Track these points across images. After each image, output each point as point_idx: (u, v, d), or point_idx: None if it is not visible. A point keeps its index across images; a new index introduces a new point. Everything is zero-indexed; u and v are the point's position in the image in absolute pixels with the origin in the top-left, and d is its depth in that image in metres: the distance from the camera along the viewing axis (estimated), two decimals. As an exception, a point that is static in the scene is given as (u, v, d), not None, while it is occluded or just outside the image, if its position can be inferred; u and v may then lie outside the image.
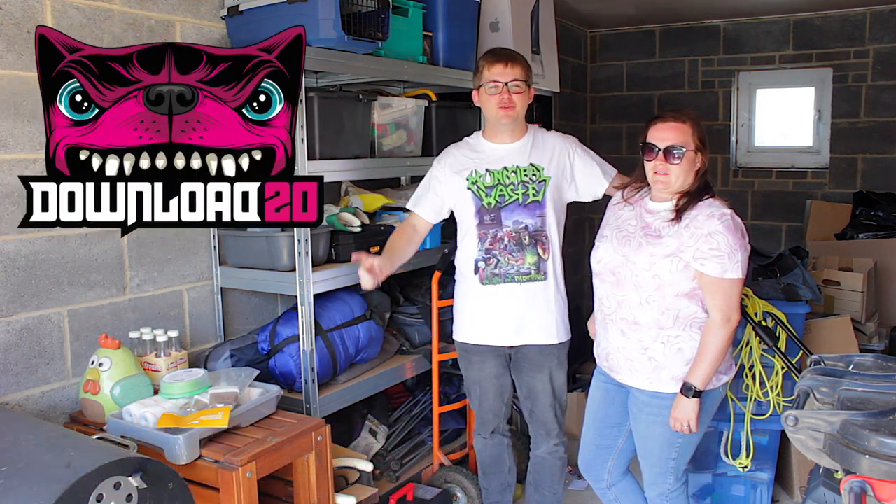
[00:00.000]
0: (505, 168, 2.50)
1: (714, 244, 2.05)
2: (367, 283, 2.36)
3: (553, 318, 2.53)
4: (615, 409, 2.36)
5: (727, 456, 2.98)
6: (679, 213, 2.12)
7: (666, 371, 2.16)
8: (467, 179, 2.52)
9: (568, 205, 2.61)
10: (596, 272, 2.30)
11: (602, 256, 2.27)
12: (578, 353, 4.45)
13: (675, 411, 2.13)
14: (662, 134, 2.13)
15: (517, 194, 2.48)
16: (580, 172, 2.55)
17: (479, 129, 2.66)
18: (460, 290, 2.62)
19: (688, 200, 2.13)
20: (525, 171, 2.49)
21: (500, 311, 2.52)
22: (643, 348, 2.18)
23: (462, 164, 2.55)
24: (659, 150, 2.12)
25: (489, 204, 2.49)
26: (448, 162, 2.58)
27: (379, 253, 2.58)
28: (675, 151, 2.10)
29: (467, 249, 2.54)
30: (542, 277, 2.49)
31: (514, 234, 2.48)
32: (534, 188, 2.48)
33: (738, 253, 2.06)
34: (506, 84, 2.42)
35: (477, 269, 2.51)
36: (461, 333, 2.62)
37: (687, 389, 2.10)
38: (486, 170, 2.51)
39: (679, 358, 2.15)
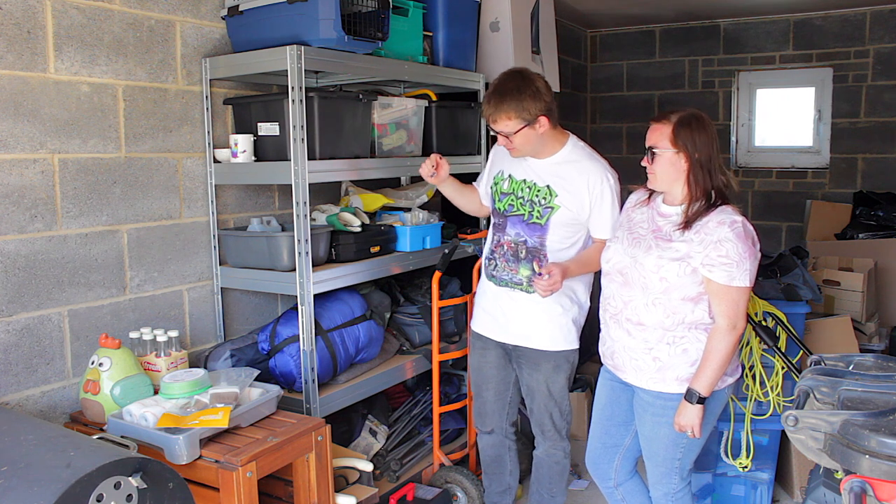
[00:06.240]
0: (524, 181, 2.49)
1: (723, 251, 2.04)
2: (426, 170, 2.57)
3: (545, 328, 2.50)
4: (621, 407, 2.36)
5: (727, 456, 2.98)
6: (687, 223, 2.11)
7: (671, 371, 2.16)
8: (494, 178, 2.60)
9: None
10: (605, 272, 2.30)
11: (611, 256, 2.27)
12: (578, 354, 4.46)
13: (678, 417, 2.13)
14: (648, 134, 2.20)
15: (524, 210, 2.48)
16: (594, 217, 2.44)
17: (478, 131, 2.67)
18: (482, 277, 2.70)
19: (697, 209, 2.11)
20: (539, 191, 2.45)
21: (493, 309, 2.59)
22: (648, 348, 2.18)
23: (500, 161, 2.61)
24: (646, 150, 2.20)
25: (499, 209, 2.55)
26: (496, 152, 2.66)
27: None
28: (651, 151, 2.17)
29: (487, 241, 2.65)
30: (534, 290, 2.44)
31: (512, 245, 2.50)
32: (538, 211, 2.45)
33: (746, 261, 2.04)
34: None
35: (486, 264, 2.62)
36: (473, 320, 2.72)
37: (691, 396, 2.10)
38: (509, 175, 2.54)
39: (684, 359, 2.15)
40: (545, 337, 2.51)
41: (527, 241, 2.47)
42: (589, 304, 2.61)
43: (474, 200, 2.77)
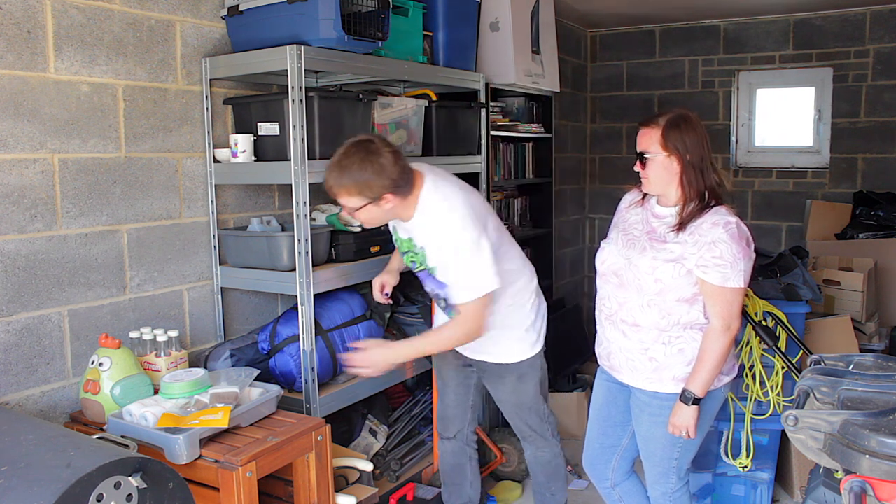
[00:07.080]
0: (410, 239, 2.37)
1: (717, 252, 2.03)
2: (381, 298, 2.60)
3: (503, 344, 2.44)
4: (618, 407, 2.36)
5: (727, 456, 2.98)
6: (682, 224, 2.10)
7: (667, 371, 2.16)
8: (392, 232, 2.48)
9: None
10: (600, 273, 2.30)
11: (606, 258, 2.27)
12: (578, 353, 4.46)
13: (673, 418, 2.13)
14: (639, 139, 2.19)
15: (424, 266, 2.36)
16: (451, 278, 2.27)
17: (478, 131, 2.62)
18: None
19: (691, 211, 2.11)
20: (418, 253, 2.35)
21: None
22: (644, 349, 2.18)
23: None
24: (638, 155, 2.19)
25: (407, 265, 2.47)
26: None
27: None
28: (643, 156, 2.15)
29: None
30: None
31: (433, 296, 2.47)
32: (431, 269, 2.33)
33: (740, 262, 2.04)
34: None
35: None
36: (435, 324, 2.69)
37: (686, 397, 2.10)
38: (396, 231, 2.43)
39: (680, 358, 2.15)
40: (503, 351, 2.46)
41: (438, 294, 2.39)
42: (542, 298, 2.53)
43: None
